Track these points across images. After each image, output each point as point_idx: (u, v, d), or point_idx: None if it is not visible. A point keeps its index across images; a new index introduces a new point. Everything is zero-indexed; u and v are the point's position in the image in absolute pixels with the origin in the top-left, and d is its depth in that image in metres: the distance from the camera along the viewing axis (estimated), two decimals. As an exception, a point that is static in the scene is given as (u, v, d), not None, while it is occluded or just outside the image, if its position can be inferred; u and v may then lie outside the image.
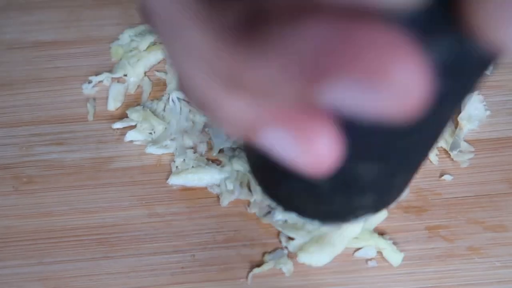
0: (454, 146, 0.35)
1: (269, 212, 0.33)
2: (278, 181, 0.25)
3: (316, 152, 0.10)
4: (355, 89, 0.08)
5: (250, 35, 0.09)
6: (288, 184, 0.24)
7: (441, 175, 0.34)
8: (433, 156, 0.35)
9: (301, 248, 0.31)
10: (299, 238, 0.31)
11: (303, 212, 0.26)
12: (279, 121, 0.11)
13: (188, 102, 0.13)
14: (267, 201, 0.27)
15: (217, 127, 0.12)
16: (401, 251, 0.31)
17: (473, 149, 0.35)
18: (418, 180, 0.34)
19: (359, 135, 0.17)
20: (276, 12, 0.09)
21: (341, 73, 0.08)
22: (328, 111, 0.11)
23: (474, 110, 0.36)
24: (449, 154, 0.35)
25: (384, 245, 0.31)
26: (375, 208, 0.26)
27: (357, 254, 0.31)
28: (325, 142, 0.10)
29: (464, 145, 0.35)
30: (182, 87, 0.12)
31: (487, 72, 0.17)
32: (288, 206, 0.26)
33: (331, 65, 0.08)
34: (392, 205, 0.27)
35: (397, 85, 0.08)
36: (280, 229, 0.32)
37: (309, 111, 0.10)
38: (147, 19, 0.11)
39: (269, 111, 0.11)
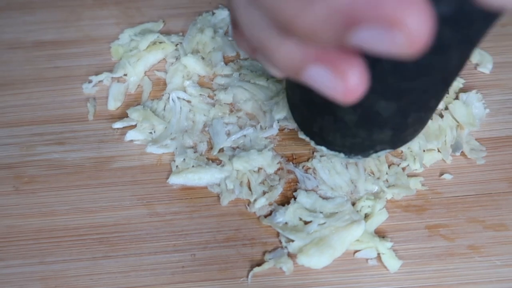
0: (456, 148, 0.35)
1: (269, 214, 0.33)
2: (313, 118, 0.29)
3: (348, 82, 0.14)
4: (375, 32, 0.12)
5: None
6: (321, 120, 0.29)
7: (441, 174, 0.34)
8: (446, 156, 0.35)
9: (301, 250, 0.31)
10: (299, 240, 0.31)
11: (331, 144, 0.30)
12: (320, 59, 0.14)
13: (241, 48, 0.18)
14: (303, 137, 0.32)
15: (268, 67, 0.17)
16: (401, 250, 0.31)
17: (482, 154, 0.35)
18: (418, 179, 0.34)
19: (380, 75, 0.22)
20: None
21: (365, 21, 0.12)
22: (357, 53, 0.14)
23: (474, 109, 0.36)
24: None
25: (383, 250, 0.31)
26: (393, 144, 0.30)
27: (358, 255, 0.31)
28: (355, 74, 0.14)
29: (465, 147, 0.35)
30: (237, 34, 0.16)
31: (491, 27, 0.21)
32: (319, 139, 0.31)
33: (359, 14, 0.12)
34: (408, 143, 0.31)
35: (407, 29, 0.11)
36: (280, 231, 0.32)
37: (343, 52, 0.14)
38: None
39: (313, 51, 0.14)
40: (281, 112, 0.36)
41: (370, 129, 0.28)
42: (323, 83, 0.14)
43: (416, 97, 0.25)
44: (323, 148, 0.31)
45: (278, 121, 0.36)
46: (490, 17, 0.20)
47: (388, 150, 0.30)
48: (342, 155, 0.31)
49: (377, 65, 0.21)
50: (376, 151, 0.30)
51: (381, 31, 0.11)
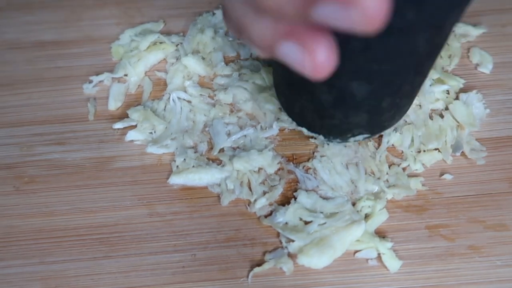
0: (456, 148, 0.35)
1: (269, 214, 0.33)
2: (294, 98, 0.31)
3: (316, 58, 0.14)
4: (333, 9, 0.13)
5: None
6: (301, 99, 0.30)
7: (442, 174, 0.34)
8: (447, 156, 0.35)
9: (301, 250, 0.31)
10: (299, 241, 0.31)
11: (311, 126, 0.32)
12: (290, 35, 0.15)
13: (229, 30, 0.20)
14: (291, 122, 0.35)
15: (251, 47, 0.18)
16: (401, 250, 0.31)
17: (483, 154, 0.35)
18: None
19: (350, 55, 0.23)
20: None
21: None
22: (327, 31, 0.15)
23: (475, 109, 0.36)
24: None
25: (384, 250, 0.31)
26: (370, 129, 0.31)
27: (358, 255, 0.31)
28: (323, 51, 0.14)
29: (466, 147, 0.35)
30: (226, 17, 0.18)
31: (461, 13, 0.22)
32: (300, 121, 0.33)
33: None
34: (387, 130, 0.33)
35: (361, 6, 0.12)
36: (280, 231, 0.32)
37: (312, 29, 0.15)
38: None
39: (283, 28, 0.15)
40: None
41: (346, 110, 0.29)
42: (294, 59, 0.15)
43: (388, 80, 0.26)
44: (304, 130, 0.33)
45: (278, 121, 0.37)
46: (455, 1, 0.21)
47: (366, 135, 0.31)
48: (321, 137, 0.33)
49: (347, 44, 0.21)
50: (354, 135, 0.31)
51: (337, 7, 0.13)
